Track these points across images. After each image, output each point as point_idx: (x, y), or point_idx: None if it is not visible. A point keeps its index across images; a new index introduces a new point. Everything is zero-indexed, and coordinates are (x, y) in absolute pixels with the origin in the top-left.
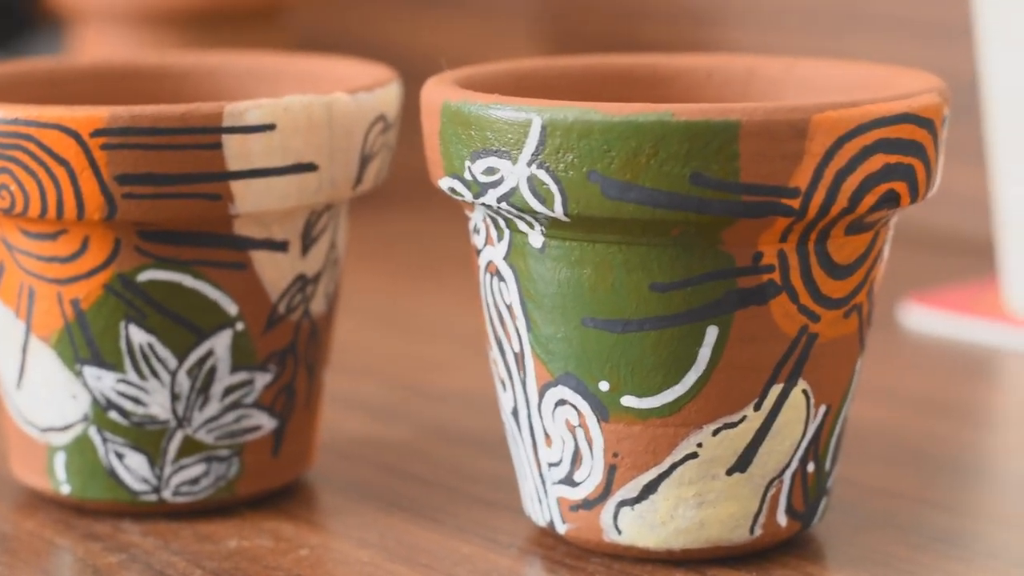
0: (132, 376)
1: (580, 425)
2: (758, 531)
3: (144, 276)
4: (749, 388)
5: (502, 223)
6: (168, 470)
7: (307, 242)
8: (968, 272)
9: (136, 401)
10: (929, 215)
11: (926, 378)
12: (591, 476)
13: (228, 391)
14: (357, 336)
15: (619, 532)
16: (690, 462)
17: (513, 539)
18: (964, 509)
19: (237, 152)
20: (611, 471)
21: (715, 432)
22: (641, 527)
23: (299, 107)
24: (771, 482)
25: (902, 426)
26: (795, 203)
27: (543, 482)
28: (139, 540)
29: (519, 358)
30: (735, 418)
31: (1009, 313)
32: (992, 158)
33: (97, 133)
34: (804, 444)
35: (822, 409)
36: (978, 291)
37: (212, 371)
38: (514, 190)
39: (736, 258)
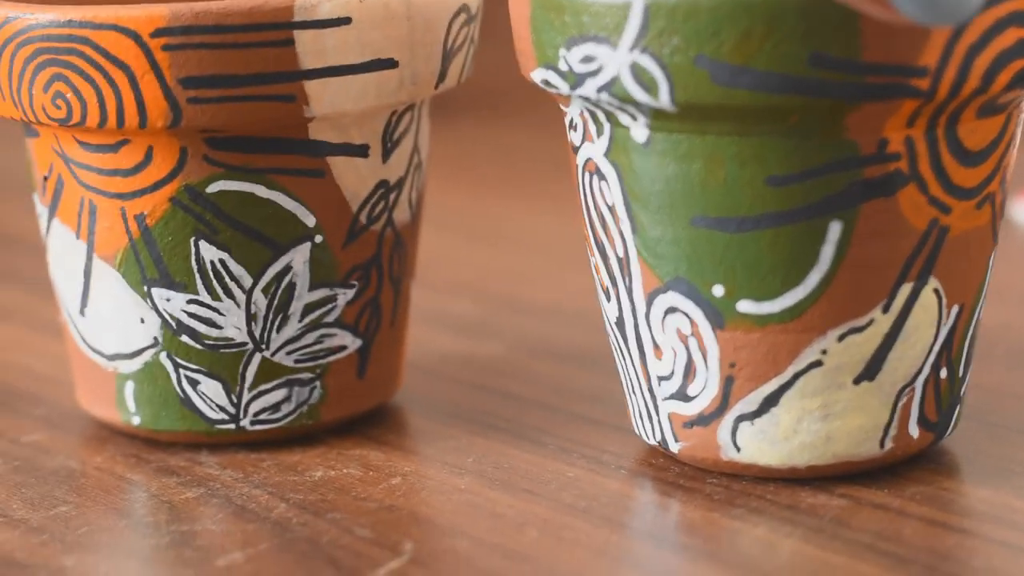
0: (204, 296)
1: (693, 334)
2: (889, 444)
3: (214, 187)
4: (877, 288)
5: (602, 117)
6: (246, 397)
7: (388, 146)
8: None
9: (209, 323)
10: None
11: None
12: (706, 389)
13: (308, 309)
14: (442, 250)
15: (738, 449)
16: (814, 371)
17: (621, 460)
18: None
19: (310, 49)
20: (728, 383)
21: (840, 337)
22: (762, 443)
23: None
24: (902, 390)
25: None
26: (924, 83)
27: (653, 397)
28: (217, 473)
29: (623, 263)
30: (862, 322)
31: None
32: None
33: (158, 33)
34: (936, 348)
35: (955, 309)
36: None
37: (290, 288)
38: (615, 79)
39: (860, 146)
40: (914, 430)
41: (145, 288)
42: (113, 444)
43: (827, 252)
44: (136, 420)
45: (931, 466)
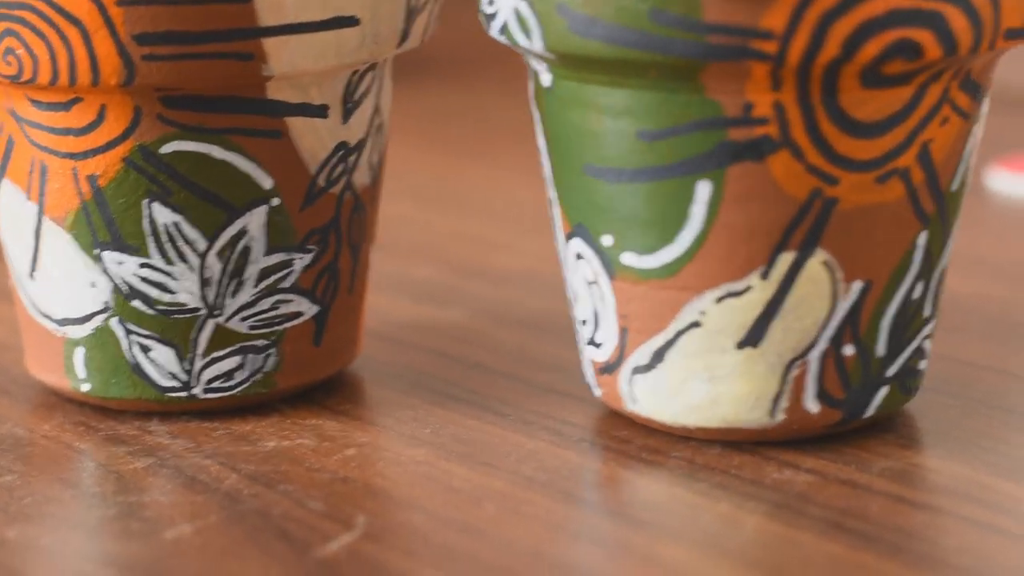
0: (157, 260)
1: (595, 282)
2: (780, 415)
3: (168, 148)
4: (752, 254)
5: (529, 61)
6: (199, 364)
7: (348, 106)
8: None
9: (162, 288)
10: (1011, 72)
11: (1020, 246)
12: (608, 338)
13: (264, 274)
14: (405, 215)
15: (635, 401)
16: (694, 331)
17: (583, 432)
18: None
19: (269, 5)
20: (623, 334)
21: (718, 300)
22: (655, 398)
23: None
24: (792, 362)
25: (1001, 298)
26: (770, 47)
27: (580, 342)
28: (168, 442)
29: (550, 205)
30: (739, 286)
31: None
32: None
33: None
34: (835, 323)
35: (857, 285)
36: None
37: (246, 252)
38: (505, 24)
39: (724, 107)
40: (812, 404)
41: (96, 251)
42: (62, 411)
43: (698, 212)
44: (86, 387)
45: (901, 441)
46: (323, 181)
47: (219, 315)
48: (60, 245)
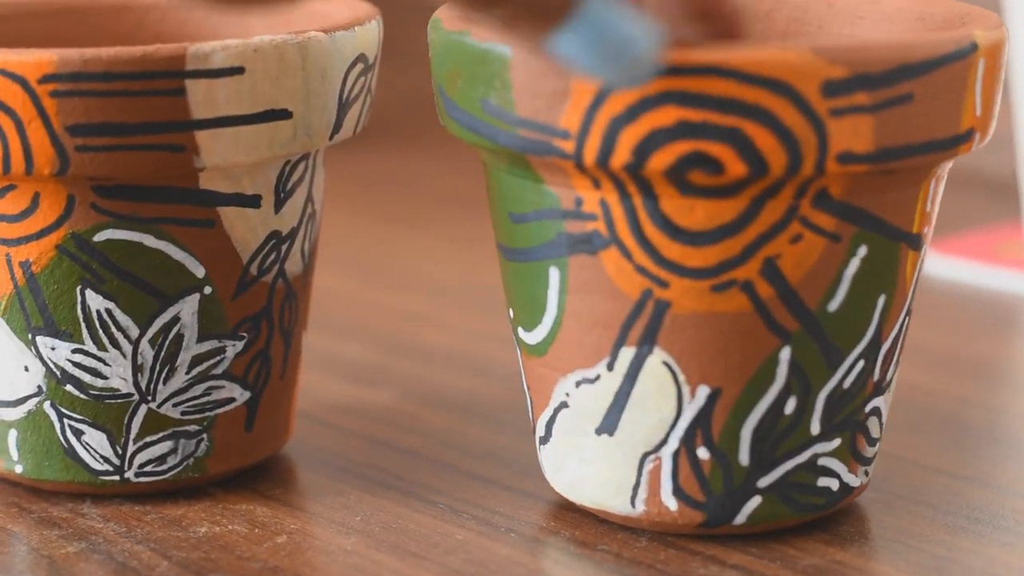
0: (90, 346)
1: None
2: (640, 506)
3: (101, 236)
4: (597, 344)
5: None
6: (131, 448)
7: (281, 196)
8: (990, 216)
9: (95, 373)
10: None
11: (950, 333)
12: (528, 410)
13: (196, 361)
14: (337, 289)
15: (545, 472)
16: (565, 411)
17: (511, 523)
18: (1005, 485)
19: (202, 98)
20: (531, 404)
21: (577, 384)
22: (551, 471)
23: (270, 48)
24: (646, 455)
25: (929, 388)
26: (567, 146)
27: None
28: (100, 526)
29: None
30: (591, 374)
31: None
32: (1015, 93)
33: (46, 79)
34: (684, 424)
35: (703, 390)
36: (1000, 237)
37: (178, 339)
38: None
39: (560, 199)
40: (670, 501)
41: (30, 336)
42: None
43: (552, 297)
44: (19, 468)
45: (826, 537)
46: (255, 270)
47: (151, 401)
48: None
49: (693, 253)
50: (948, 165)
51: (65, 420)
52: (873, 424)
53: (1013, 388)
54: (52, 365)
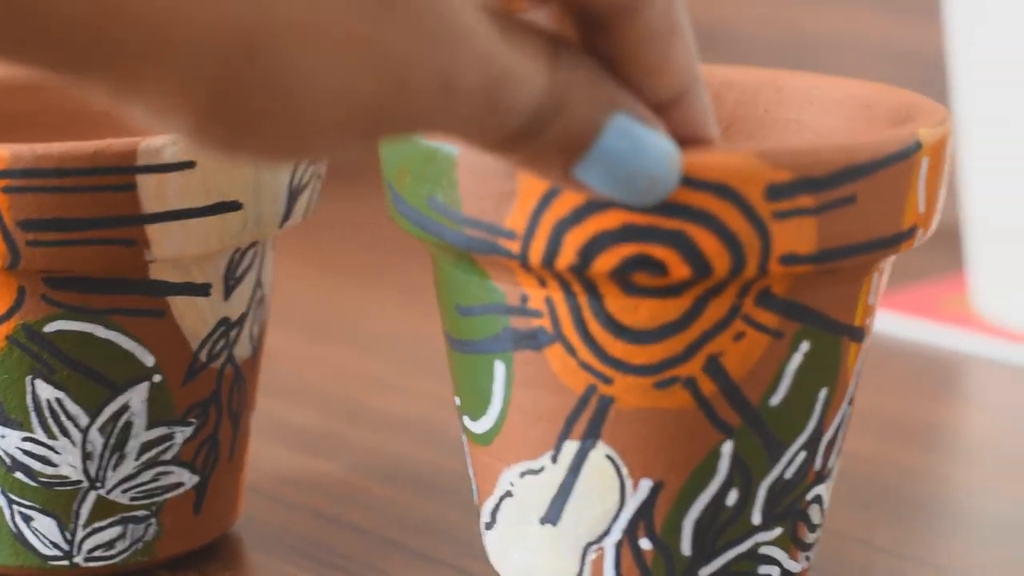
0: (40, 434)
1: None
2: None
3: (52, 327)
4: (542, 437)
5: None
6: (80, 534)
7: (230, 283)
8: (932, 268)
9: (44, 461)
10: None
11: (893, 394)
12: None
13: (145, 448)
14: (287, 348)
15: (490, 557)
16: (508, 500)
17: None
18: (944, 563)
19: (153, 193)
20: (477, 490)
21: (521, 475)
22: (496, 557)
23: None
24: (588, 545)
25: (871, 457)
26: (513, 246)
27: None
28: None
29: None
30: (535, 465)
31: (977, 316)
32: (960, 146)
33: None
34: (627, 516)
35: (645, 484)
36: (943, 290)
37: (127, 427)
38: None
39: (506, 295)
40: None
41: None
42: None
43: (497, 390)
44: None
45: None
46: (204, 356)
47: (101, 487)
48: None
49: (637, 351)
50: (891, 259)
51: (14, 506)
52: (814, 511)
53: (956, 456)
54: (2, 453)
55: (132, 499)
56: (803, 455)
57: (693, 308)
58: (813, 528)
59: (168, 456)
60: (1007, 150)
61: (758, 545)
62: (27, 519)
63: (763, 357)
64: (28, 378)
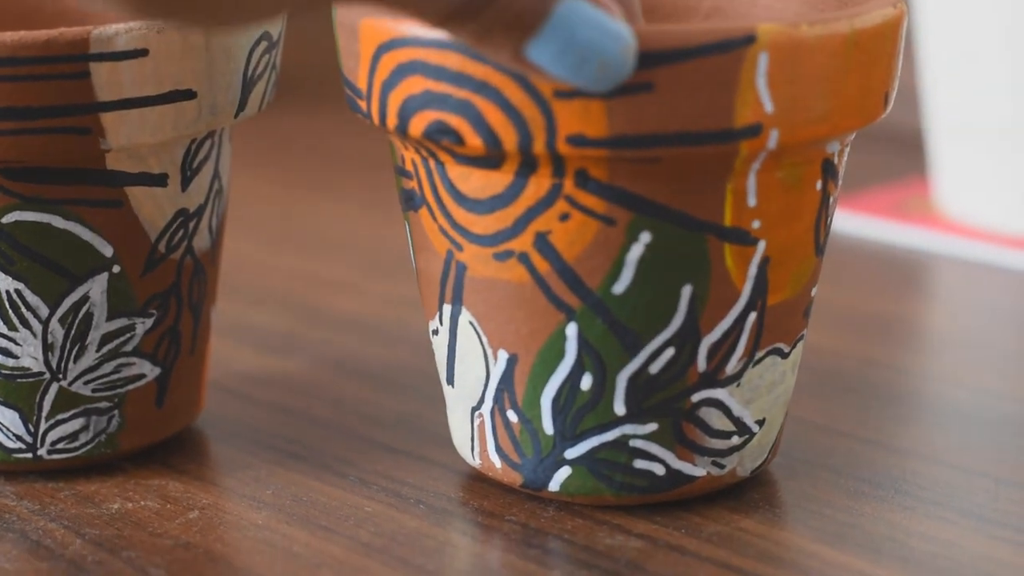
0: (0, 326)
1: None
2: (477, 459)
3: (9, 218)
4: (430, 298)
5: None
6: (43, 426)
7: (187, 174)
8: (896, 170)
9: (6, 353)
10: None
11: (856, 292)
12: None
13: (106, 339)
14: (247, 255)
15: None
16: (434, 358)
17: (420, 494)
18: (907, 448)
19: (106, 81)
20: None
21: (429, 331)
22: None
23: (173, 29)
24: (473, 409)
25: (834, 349)
26: (363, 104)
27: None
28: (13, 504)
29: None
30: (433, 326)
31: (941, 217)
32: (921, 47)
33: None
34: (493, 385)
35: (502, 355)
36: (907, 192)
37: (88, 318)
38: None
39: (395, 154)
40: (495, 458)
41: None
42: None
43: (410, 249)
44: None
45: (730, 503)
46: (163, 248)
47: (62, 379)
48: None
49: (475, 220)
50: (755, 161)
51: None
52: (712, 416)
53: (917, 348)
54: None
55: (94, 391)
56: (671, 352)
57: (515, 183)
58: (716, 433)
59: (129, 348)
60: (966, 47)
61: (627, 437)
62: None
63: (596, 242)
64: None
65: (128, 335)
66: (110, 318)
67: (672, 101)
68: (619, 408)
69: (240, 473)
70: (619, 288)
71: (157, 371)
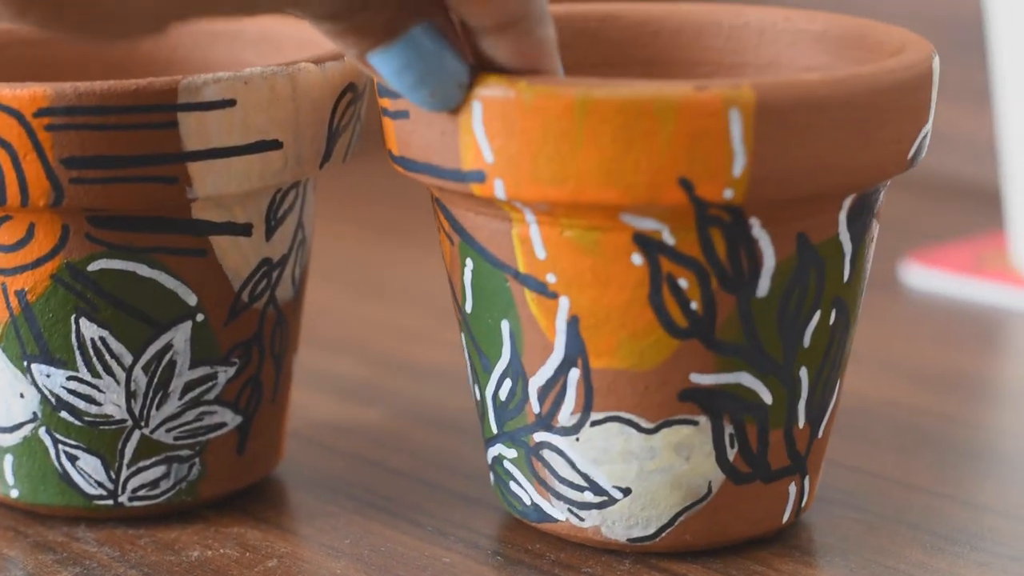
0: (84, 373)
1: None
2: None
3: (95, 265)
4: None
5: None
6: (125, 473)
7: (272, 224)
8: (973, 225)
9: (89, 400)
10: (927, 162)
11: (933, 347)
12: None
13: (188, 387)
14: (328, 304)
15: None
16: None
17: (497, 544)
18: (982, 503)
19: (194, 131)
20: None
21: None
22: None
23: (261, 80)
24: None
25: (912, 405)
26: None
27: None
28: (94, 550)
29: None
30: None
31: (1018, 272)
32: (998, 101)
33: (41, 112)
34: None
35: None
36: (983, 247)
37: (171, 366)
38: None
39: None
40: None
41: (25, 363)
42: None
43: None
44: (15, 493)
45: (804, 557)
46: (247, 297)
47: (144, 426)
48: None
49: None
50: (526, 212)
51: (60, 446)
52: (557, 461)
53: (995, 404)
54: (47, 392)
55: (176, 439)
56: (508, 384)
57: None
58: (561, 480)
59: (211, 396)
60: None
61: (502, 457)
62: (72, 459)
63: (450, 258)
64: (72, 317)
65: (210, 383)
66: (193, 366)
67: (426, 134)
68: (493, 426)
69: (319, 522)
70: (468, 307)
71: (239, 420)
